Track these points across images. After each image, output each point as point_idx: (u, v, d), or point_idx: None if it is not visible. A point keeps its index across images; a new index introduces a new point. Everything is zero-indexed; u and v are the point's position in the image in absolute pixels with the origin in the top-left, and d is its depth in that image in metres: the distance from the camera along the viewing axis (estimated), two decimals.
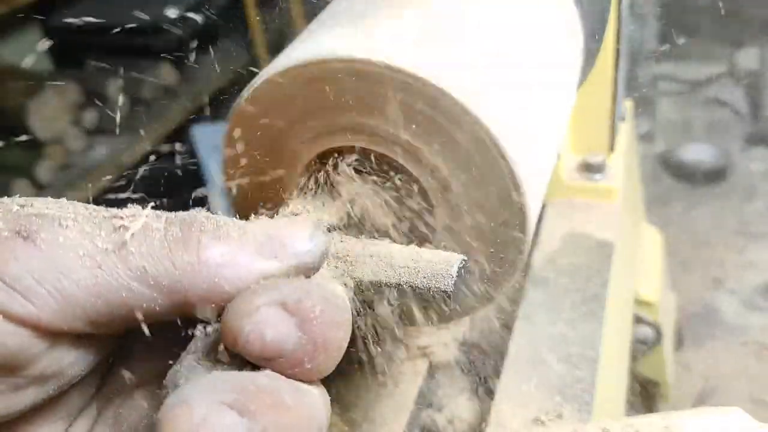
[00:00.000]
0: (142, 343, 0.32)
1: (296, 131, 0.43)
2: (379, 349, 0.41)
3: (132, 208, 0.29)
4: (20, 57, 2.01)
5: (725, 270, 1.99)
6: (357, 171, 0.43)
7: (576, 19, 0.58)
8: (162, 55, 2.12)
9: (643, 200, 1.29)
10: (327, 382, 0.29)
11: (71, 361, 0.29)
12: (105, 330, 0.28)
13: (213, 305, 0.27)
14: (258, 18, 2.32)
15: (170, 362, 0.28)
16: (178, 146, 2.16)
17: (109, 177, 1.85)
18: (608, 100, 0.81)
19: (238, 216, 0.47)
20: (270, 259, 0.28)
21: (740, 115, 2.68)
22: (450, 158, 0.41)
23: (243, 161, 0.45)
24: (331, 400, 0.29)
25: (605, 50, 0.73)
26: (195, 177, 2.20)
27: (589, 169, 0.81)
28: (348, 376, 0.62)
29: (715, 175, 2.37)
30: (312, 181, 0.43)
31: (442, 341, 0.66)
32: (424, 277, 0.34)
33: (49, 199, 0.30)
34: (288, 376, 0.27)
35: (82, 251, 0.26)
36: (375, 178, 0.44)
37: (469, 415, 0.60)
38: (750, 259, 2.03)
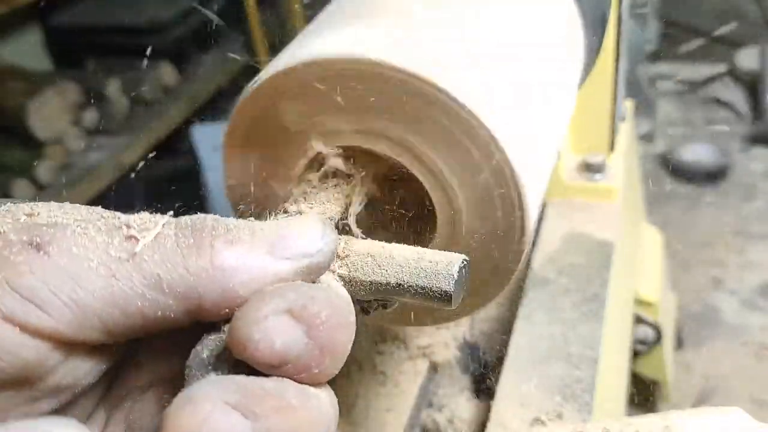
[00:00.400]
0: (150, 346, 0.32)
1: (297, 131, 0.43)
2: (376, 349, 0.41)
3: (143, 215, 0.29)
4: (20, 57, 2.01)
5: (725, 270, 1.99)
6: (358, 167, 0.43)
7: (576, 19, 0.58)
8: (162, 55, 2.12)
9: (643, 200, 1.29)
10: (328, 381, 0.29)
11: (86, 371, 0.29)
12: (120, 339, 0.28)
13: (227, 309, 0.27)
14: (258, 18, 2.32)
15: (179, 364, 0.28)
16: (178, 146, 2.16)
17: (109, 177, 1.85)
18: (608, 100, 0.81)
19: (237, 215, 0.47)
20: (282, 260, 0.28)
21: (740, 115, 2.68)
22: (449, 158, 0.41)
23: (244, 160, 0.45)
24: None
25: (605, 50, 0.73)
26: (195, 177, 2.21)
27: (589, 169, 0.81)
28: (348, 376, 0.62)
29: (715, 175, 2.37)
30: (314, 179, 0.43)
31: (442, 341, 0.66)
32: (425, 277, 0.34)
33: (53, 204, 0.29)
34: (296, 381, 0.27)
35: (96, 261, 0.26)
36: (377, 176, 0.44)
37: (469, 415, 0.60)
38: (750, 259, 2.03)
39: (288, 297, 0.27)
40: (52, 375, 0.27)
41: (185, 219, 0.28)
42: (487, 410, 0.57)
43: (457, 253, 0.35)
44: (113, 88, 1.96)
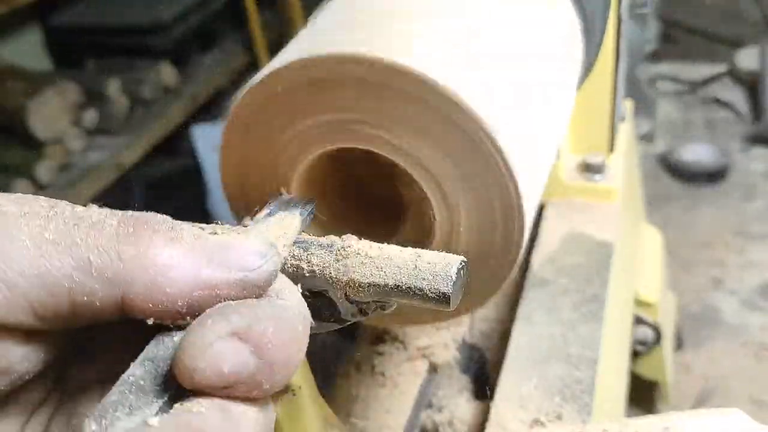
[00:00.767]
0: (99, 342, 0.32)
1: (294, 130, 0.43)
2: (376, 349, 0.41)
3: (91, 207, 0.29)
4: (20, 57, 2.01)
5: (725, 270, 1.99)
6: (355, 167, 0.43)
7: (576, 20, 0.58)
8: (162, 55, 2.12)
9: (643, 200, 1.29)
10: (328, 382, 0.29)
11: (21, 357, 0.28)
12: (52, 324, 0.28)
13: (151, 305, 0.27)
14: (258, 18, 2.32)
15: (129, 361, 0.28)
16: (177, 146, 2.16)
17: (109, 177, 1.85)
18: (608, 100, 0.81)
19: (235, 214, 0.47)
20: (217, 268, 0.28)
21: (740, 115, 2.68)
22: (448, 157, 0.41)
23: (241, 160, 0.45)
24: (331, 400, 0.29)
25: (605, 50, 0.73)
26: (195, 177, 2.21)
27: (589, 169, 0.81)
28: (347, 377, 0.62)
29: (715, 175, 2.37)
30: (310, 178, 0.43)
31: (442, 342, 0.66)
32: (423, 279, 0.34)
33: (14, 195, 0.29)
34: (246, 397, 0.27)
35: (28, 242, 0.26)
36: (374, 175, 0.44)
37: (469, 415, 0.60)
38: (750, 259, 2.03)
39: (231, 319, 0.26)
40: None
41: (133, 213, 0.28)
42: (487, 411, 0.57)
43: (455, 255, 0.35)
44: (113, 88, 1.96)
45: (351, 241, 0.36)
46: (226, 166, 0.46)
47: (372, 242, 0.36)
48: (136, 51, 2.11)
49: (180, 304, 0.27)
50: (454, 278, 0.33)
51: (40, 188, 1.77)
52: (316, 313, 0.33)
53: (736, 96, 2.76)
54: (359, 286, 0.34)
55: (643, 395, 1.26)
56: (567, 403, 0.56)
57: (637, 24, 2.22)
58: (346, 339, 0.67)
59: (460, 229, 0.43)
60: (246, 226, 0.38)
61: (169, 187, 2.15)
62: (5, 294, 0.26)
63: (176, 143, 2.19)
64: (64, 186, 1.79)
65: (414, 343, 0.65)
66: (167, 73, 2.13)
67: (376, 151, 0.42)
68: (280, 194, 0.43)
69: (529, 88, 0.47)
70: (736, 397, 1.58)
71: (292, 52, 0.42)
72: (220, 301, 0.28)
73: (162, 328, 0.28)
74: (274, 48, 0.47)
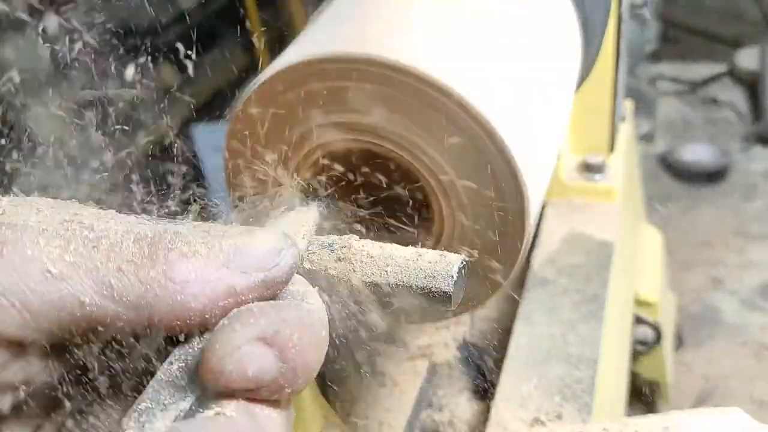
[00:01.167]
0: (115, 347, 0.32)
1: (296, 128, 0.43)
2: (377, 350, 0.41)
3: (108, 215, 0.29)
4: (20, 57, 2.01)
5: (725, 270, 1.99)
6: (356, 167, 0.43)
7: (575, 20, 0.58)
8: (162, 55, 2.12)
9: (643, 200, 1.29)
10: (328, 383, 0.29)
11: (39, 369, 0.29)
12: (73, 340, 0.28)
13: (178, 322, 0.27)
14: (258, 18, 2.32)
15: (140, 370, 0.28)
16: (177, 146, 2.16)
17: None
18: (608, 100, 0.81)
19: (236, 214, 0.47)
20: (237, 274, 0.28)
21: (740, 115, 2.68)
22: (451, 156, 0.41)
23: (244, 159, 0.45)
24: (331, 401, 0.29)
25: (605, 50, 0.73)
26: (195, 177, 2.20)
27: (589, 169, 0.81)
28: (348, 377, 0.62)
29: (715, 175, 2.37)
30: (311, 176, 0.43)
31: (443, 341, 0.66)
32: (425, 278, 0.34)
33: (24, 199, 0.29)
34: (267, 401, 0.27)
35: (49, 264, 0.26)
36: (375, 174, 0.44)
37: (469, 415, 0.60)
38: (750, 259, 2.03)
39: (260, 323, 0.26)
40: (2, 372, 0.27)
41: (148, 227, 0.28)
42: (487, 410, 0.57)
43: (456, 254, 0.35)
44: (113, 88, 1.97)
45: (352, 240, 0.36)
46: (230, 166, 0.46)
47: (373, 241, 0.36)
48: (136, 51, 2.11)
49: (206, 316, 0.27)
50: (455, 277, 0.33)
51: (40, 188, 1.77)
52: None
53: (736, 96, 2.76)
54: (361, 284, 0.34)
55: (643, 395, 1.26)
56: (567, 402, 0.56)
57: (637, 24, 2.22)
58: (346, 338, 0.66)
59: (461, 228, 0.43)
60: (240, 206, 0.38)
61: (169, 187, 2.14)
62: (25, 316, 0.26)
63: (176, 143, 2.18)
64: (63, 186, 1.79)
65: (414, 343, 0.65)
66: (167, 73, 2.13)
67: (379, 148, 0.42)
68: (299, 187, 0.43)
69: (529, 88, 0.47)
70: (736, 396, 1.58)
71: (295, 52, 0.42)
72: (246, 303, 0.28)
73: None
74: (274, 48, 0.47)
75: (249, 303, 0.28)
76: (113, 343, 0.29)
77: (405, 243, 0.36)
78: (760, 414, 0.43)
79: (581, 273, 0.69)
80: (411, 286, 0.34)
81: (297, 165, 0.44)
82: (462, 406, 0.61)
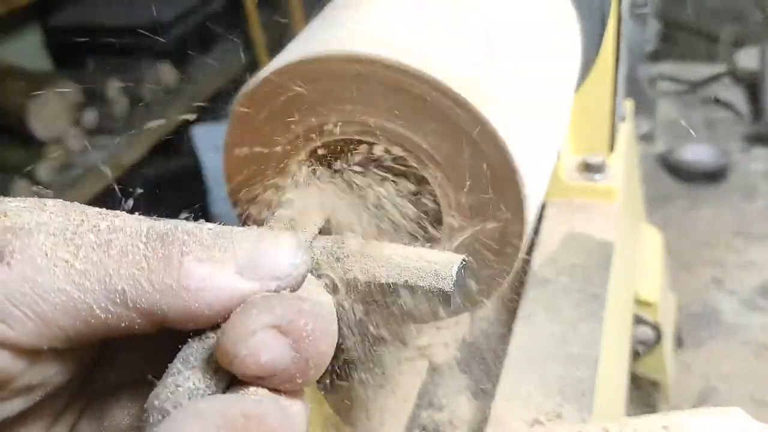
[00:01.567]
0: (126, 344, 0.32)
1: (297, 128, 0.43)
2: (377, 349, 0.41)
3: (117, 219, 0.28)
4: (20, 57, 2.01)
5: (725, 270, 1.99)
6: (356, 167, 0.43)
7: (575, 19, 0.58)
8: (162, 55, 2.12)
9: (643, 200, 1.29)
10: (328, 382, 0.29)
11: (55, 372, 0.29)
12: (85, 344, 0.28)
13: (191, 324, 0.27)
14: (258, 18, 2.32)
15: (155, 363, 0.28)
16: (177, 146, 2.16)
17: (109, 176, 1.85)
18: (608, 100, 0.81)
19: (237, 214, 0.47)
20: (251, 282, 0.28)
21: (740, 115, 2.68)
22: (451, 156, 0.41)
23: (243, 158, 0.45)
24: (331, 401, 0.29)
25: (605, 50, 0.73)
26: (195, 177, 2.20)
27: (589, 169, 0.81)
28: (348, 377, 0.62)
29: (715, 175, 2.37)
30: (311, 175, 0.43)
31: (443, 341, 0.66)
32: (424, 278, 0.34)
33: (29, 200, 0.29)
34: (279, 390, 0.27)
35: (60, 273, 0.26)
36: (376, 173, 0.44)
37: (469, 415, 0.60)
38: (750, 259, 2.03)
39: (276, 311, 0.27)
40: (18, 379, 0.27)
41: (159, 228, 0.28)
42: (487, 410, 0.57)
43: (455, 254, 0.35)
44: (113, 88, 1.96)
45: (351, 239, 0.36)
46: (229, 165, 0.46)
47: (372, 241, 0.36)
48: (136, 51, 2.10)
49: (218, 320, 0.28)
50: (455, 277, 0.33)
51: (40, 188, 1.77)
52: None
53: (736, 96, 2.76)
54: (360, 284, 0.34)
55: (643, 395, 1.26)
56: (567, 402, 0.56)
57: (637, 24, 2.22)
58: (346, 338, 0.66)
59: (461, 228, 0.43)
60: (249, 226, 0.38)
61: (169, 187, 2.15)
62: (38, 324, 0.26)
63: (176, 143, 2.18)
64: (64, 186, 1.79)
65: (414, 343, 0.65)
66: (167, 73, 2.13)
67: (378, 146, 0.42)
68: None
69: (529, 88, 0.47)
70: (736, 396, 1.59)
71: (294, 50, 0.42)
72: None
73: None
74: (274, 48, 0.47)
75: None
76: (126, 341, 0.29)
77: (405, 243, 0.36)
78: (760, 414, 0.43)
79: (581, 273, 0.69)
80: (411, 286, 0.34)
81: (297, 163, 0.44)
82: (462, 405, 0.61)
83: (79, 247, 0.27)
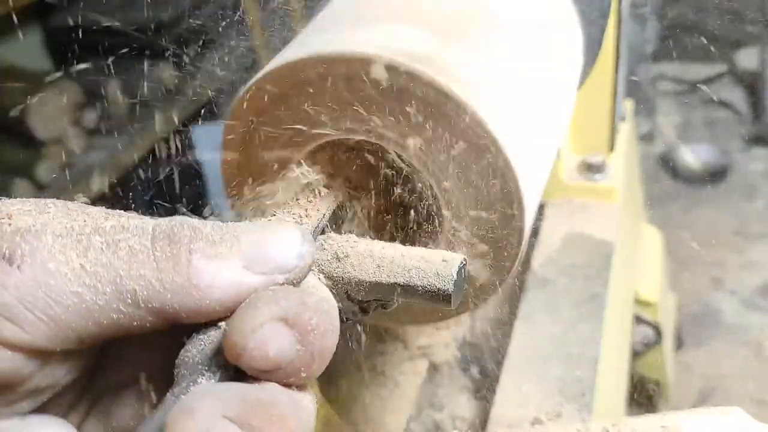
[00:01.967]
0: (132, 341, 0.32)
1: (295, 128, 0.43)
2: (376, 349, 0.41)
3: (119, 215, 0.29)
4: (20, 57, 2.01)
5: (725, 270, 1.99)
6: (356, 167, 0.43)
7: (575, 19, 0.58)
8: (162, 55, 2.12)
9: (643, 200, 1.29)
10: (328, 382, 0.29)
11: (64, 372, 0.29)
12: (96, 344, 0.28)
13: (201, 319, 0.28)
14: (258, 18, 2.32)
15: (161, 360, 0.28)
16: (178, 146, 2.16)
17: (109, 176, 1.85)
18: (608, 100, 0.81)
19: (234, 213, 0.47)
20: (258, 274, 0.28)
21: (740, 115, 2.68)
22: (447, 155, 0.41)
23: (241, 159, 0.45)
24: (332, 400, 0.29)
25: (605, 50, 0.73)
26: (195, 177, 2.20)
27: (589, 169, 0.81)
28: (348, 377, 0.62)
29: (715, 175, 2.37)
30: (310, 175, 0.43)
31: (443, 341, 0.66)
32: (424, 278, 0.34)
33: (31, 201, 0.29)
34: (284, 384, 0.27)
35: (71, 275, 0.26)
36: (375, 173, 0.44)
37: (469, 415, 0.60)
38: (750, 259, 2.03)
39: (282, 305, 0.27)
40: (29, 380, 0.28)
41: (164, 226, 0.28)
42: (487, 410, 0.57)
43: (455, 254, 0.35)
44: (113, 88, 1.96)
45: (351, 238, 0.36)
46: (226, 165, 0.46)
47: (372, 240, 0.36)
48: (136, 51, 2.10)
49: (228, 313, 0.28)
50: (455, 277, 0.33)
51: (40, 188, 1.77)
52: None
53: (736, 96, 2.76)
54: (360, 284, 0.34)
55: (643, 395, 1.26)
56: (567, 402, 0.56)
57: (637, 24, 2.22)
58: (346, 338, 0.67)
59: (461, 228, 0.43)
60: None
61: (169, 187, 2.15)
62: (52, 327, 0.26)
63: (176, 143, 2.18)
64: (64, 186, 1.79)
65: (414, 343, 0.65)
66: (167, 73, 2.13)
67: (376, 147, 0.42)
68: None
69: (529, 88, 0.47)
70: (736, 396, 1.59)
71: (293, 51, 0.42)
72: None
73: None
74: (274, 48, 0.47)
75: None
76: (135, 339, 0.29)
77: (405, 243, 0.36)
78: (760, 414, 0.43)
79: (581, 273, 0.69)
80: (411, 286, 0.34)
81: (297, 163, 0.44)
82: (462, 406, 0.62)
83: (87, 249, 0.27)
